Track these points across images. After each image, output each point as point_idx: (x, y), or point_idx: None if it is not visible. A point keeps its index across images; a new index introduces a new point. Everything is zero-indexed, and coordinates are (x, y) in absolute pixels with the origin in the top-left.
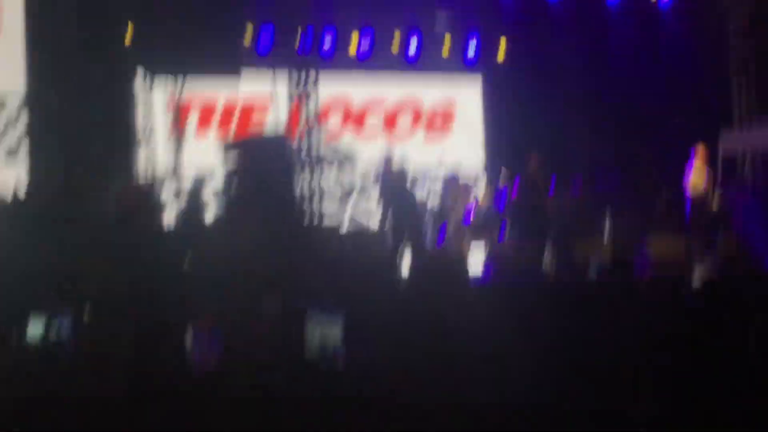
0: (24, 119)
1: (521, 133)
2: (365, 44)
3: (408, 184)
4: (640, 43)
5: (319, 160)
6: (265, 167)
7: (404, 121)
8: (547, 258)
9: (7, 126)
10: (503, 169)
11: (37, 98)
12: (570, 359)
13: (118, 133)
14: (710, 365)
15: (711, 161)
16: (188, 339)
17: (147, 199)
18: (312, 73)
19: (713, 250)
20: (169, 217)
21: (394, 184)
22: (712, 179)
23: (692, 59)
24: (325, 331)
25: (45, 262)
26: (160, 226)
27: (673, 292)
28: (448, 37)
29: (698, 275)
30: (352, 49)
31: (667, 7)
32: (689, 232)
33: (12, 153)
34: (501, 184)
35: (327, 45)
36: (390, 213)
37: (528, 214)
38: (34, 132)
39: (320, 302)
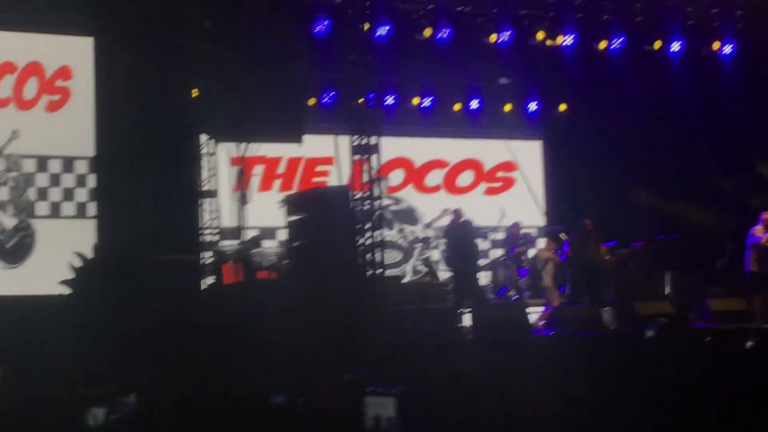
0: (93, 181)
1: (582, 192)
2: (427, 106)
3: (471, 237)
4: (704, 98)
5: (381, 212)
6: (327, 218)
7: (465, 177)
8: (608, 313)
9: (74, 188)
10: (562, 234)
11: (105, 161)
12: (632, 411)
13: (184, 193)
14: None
15: None
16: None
17: None
18: (374, 132)
19: None
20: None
21: (456, 237)
22: None
23: (757, 113)
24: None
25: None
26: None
27: (733, 348)
28: (509, 99)
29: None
30: (414, 110)
31: (730, 59)
32: (749, 288)
33: (81, 213)
34: (558, 246)
35: (389, 104)
36: (452, 264)
37: (580, 271)
38: (102, 193)
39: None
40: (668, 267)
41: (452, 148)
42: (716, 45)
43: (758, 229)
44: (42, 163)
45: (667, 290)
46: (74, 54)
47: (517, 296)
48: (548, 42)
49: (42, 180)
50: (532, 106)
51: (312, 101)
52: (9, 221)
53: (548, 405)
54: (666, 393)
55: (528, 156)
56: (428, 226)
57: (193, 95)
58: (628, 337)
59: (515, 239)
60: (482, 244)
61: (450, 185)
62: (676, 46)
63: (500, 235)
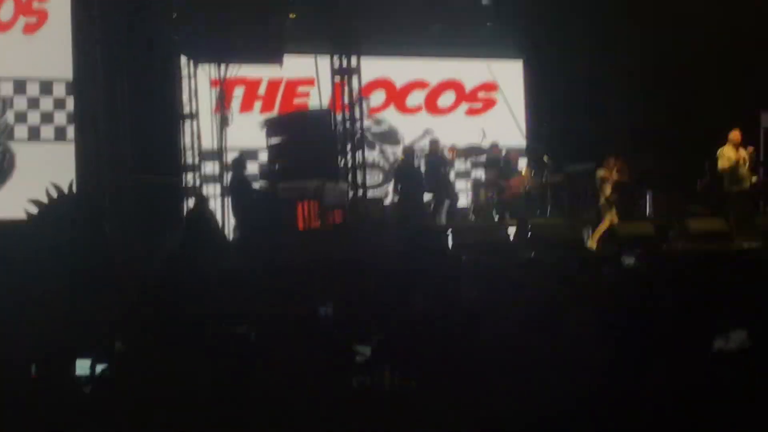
0: (71, 104)
1: (563, 112)
2: (407, 25)
3: (446, 160)
4: (682, 20)
5: (362, 133)
6: (308, 139)
7: (446, 98)
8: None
9: (53, 111)
10: (546, 156)
11: (83, 84)
12: (610, 337)
13: (164, 114)
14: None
15: (751, 140)
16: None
17: None
18: (354, 53)
19: (750, 226)
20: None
21: (433, 159)
22: (752, 158)
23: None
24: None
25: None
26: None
27: (710, 266)
28: (490, 19)
29: (736, 249)
30: (395, 30)
31: None
32: (728, 209)
33: (60, 137)
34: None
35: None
36: (428, 186)
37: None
38: (81, 116)
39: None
40: (648, 186)
41: (433, 69)
42: None
43: (726, 149)
44: (20, 85)
45: (648, 210)
46: None
47: (498, 216)
48: None
49: (20, 103)
50: (514, 26)
51: (292, 16)
52: None
53: (529, 333)
54: (640, 317)
55: (509, 76)
56: (409, 146)
57: (173, 16)
58: (606, 258)
59: (495, 160)
60: (463, 165)
61: (431, 106)
62: None
63: (481, 157)
